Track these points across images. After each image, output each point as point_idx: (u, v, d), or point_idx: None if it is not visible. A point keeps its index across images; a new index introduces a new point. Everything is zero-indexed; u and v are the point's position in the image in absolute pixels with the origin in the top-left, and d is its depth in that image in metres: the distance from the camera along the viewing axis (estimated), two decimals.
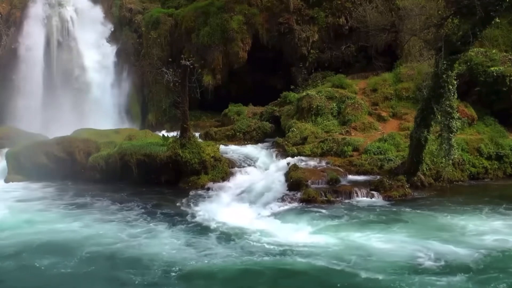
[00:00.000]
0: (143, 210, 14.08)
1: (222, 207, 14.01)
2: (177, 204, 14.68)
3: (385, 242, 11.03)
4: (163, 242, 11.25)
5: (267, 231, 11.86)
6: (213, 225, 12.50)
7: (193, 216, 13.38)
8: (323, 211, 13.60)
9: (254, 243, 11.04)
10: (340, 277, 9.25)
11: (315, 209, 13.75)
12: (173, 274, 9.44)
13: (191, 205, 14.50)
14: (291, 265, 9.86)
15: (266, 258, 10.21)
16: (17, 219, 13.30)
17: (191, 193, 15.86)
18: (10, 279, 9.55)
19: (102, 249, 10.85)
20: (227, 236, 11.59)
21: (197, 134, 19.48)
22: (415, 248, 10.62)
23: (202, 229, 12.22)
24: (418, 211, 13.48)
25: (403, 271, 9.40)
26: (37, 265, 9.99)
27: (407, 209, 13.64)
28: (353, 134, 19.05)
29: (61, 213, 13.95)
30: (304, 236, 11.51)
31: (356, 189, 15.04)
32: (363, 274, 9.28)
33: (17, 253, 10.66)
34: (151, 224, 12.71)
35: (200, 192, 15.99)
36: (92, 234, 11.91)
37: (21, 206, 14.74)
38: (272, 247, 10.80)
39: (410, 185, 15.40)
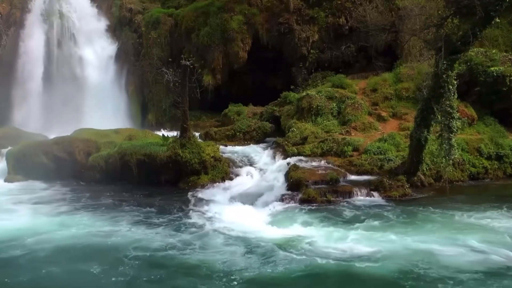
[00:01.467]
0: (176, 214, 13.55)
1: (239, 210, 13.79)
2: (197, 206, 14.37)
3: (428, 243, 10.65)
4: (211, 248, 10.77)
5: (303, 236, 11.32)
6: (244, 229, 12.00)
7: (218, 220, 12.85)
8: (342, 212, 13.32)
9: (297, 251, 10.46)
10: (411, 281, 8.89)
11: (326, 210, 13.51)
12: (235, 283, 8.95)
13: (207, 207, 14.17)
14: (353, 269, 9.44)
15: (324, 265, 9.68)
16: (49, 222, 12.74)
17: (198, 193, 15.76)
18: (61, 286, 9.14)
19: (152, 255, 10.36)
20: (264, 241, 11.06)
21: (197, 134, 19.49)
22: (466, 249, 10.29)
23: (234, 236, 11.63)
24: (432, 209, 13.35)
25: (474, 276, 8.99)
26: (92, 271, 9.53)
27: (420, 208, 13.49)
28: (353, 134, 19.05)
29: (91, 216, 13.41)
30: (343, 239, 11.09)
31: (356, 189, 15.02)
32: (433, 277, 8.97)
33: (62, 258, 10.24)
34: (190, 229, 12.18)
35: (203, 192, 15.92)
36: (138, 238, 11.38)
37: (45, 208, 14.23)
38: (320, 253, 10.26)
39: (410, 185, 15.38)
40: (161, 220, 13.02)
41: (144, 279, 9.23)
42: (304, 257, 10.11)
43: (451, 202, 14.10)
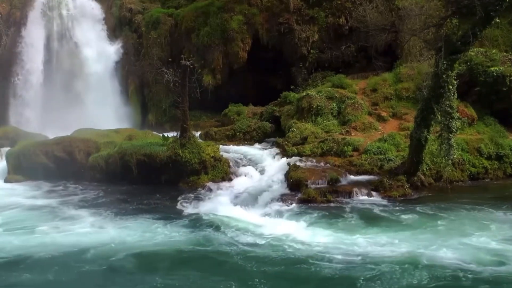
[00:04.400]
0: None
1: (259, 212, 13.72)
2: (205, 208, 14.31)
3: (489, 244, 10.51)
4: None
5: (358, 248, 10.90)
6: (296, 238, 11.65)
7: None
8: (369, 213, 13.22)
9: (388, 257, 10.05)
10: None
11: (341, 211, 13.42)
12: None
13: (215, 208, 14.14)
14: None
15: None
16: (116, 231, 12.36)
17: (201, 193, 15.79)
18: None
19: (246, 266, 10.02)
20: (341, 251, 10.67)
21: (197, 134, 19.49)
22: None
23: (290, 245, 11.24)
24: (460, 205, 13.40)
25: None
26: (202, 280, 9.37)
27: (445, 206, 13.46)
28: (353, 134, 19.05)
29: (151, 222, 13.05)
30: (423, 243, 10.83)
31: (356, 189, 15.04)
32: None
33: (175, 267, 10.11)
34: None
35: (206, 192, 15.97)
36: (221, 250, 11.06)
37: (104, 213, 14.02)
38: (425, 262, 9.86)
39: (410, 185, 15.39)
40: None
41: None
42: (404, 266, 9.64)
43: (460, 201, 14.04)
